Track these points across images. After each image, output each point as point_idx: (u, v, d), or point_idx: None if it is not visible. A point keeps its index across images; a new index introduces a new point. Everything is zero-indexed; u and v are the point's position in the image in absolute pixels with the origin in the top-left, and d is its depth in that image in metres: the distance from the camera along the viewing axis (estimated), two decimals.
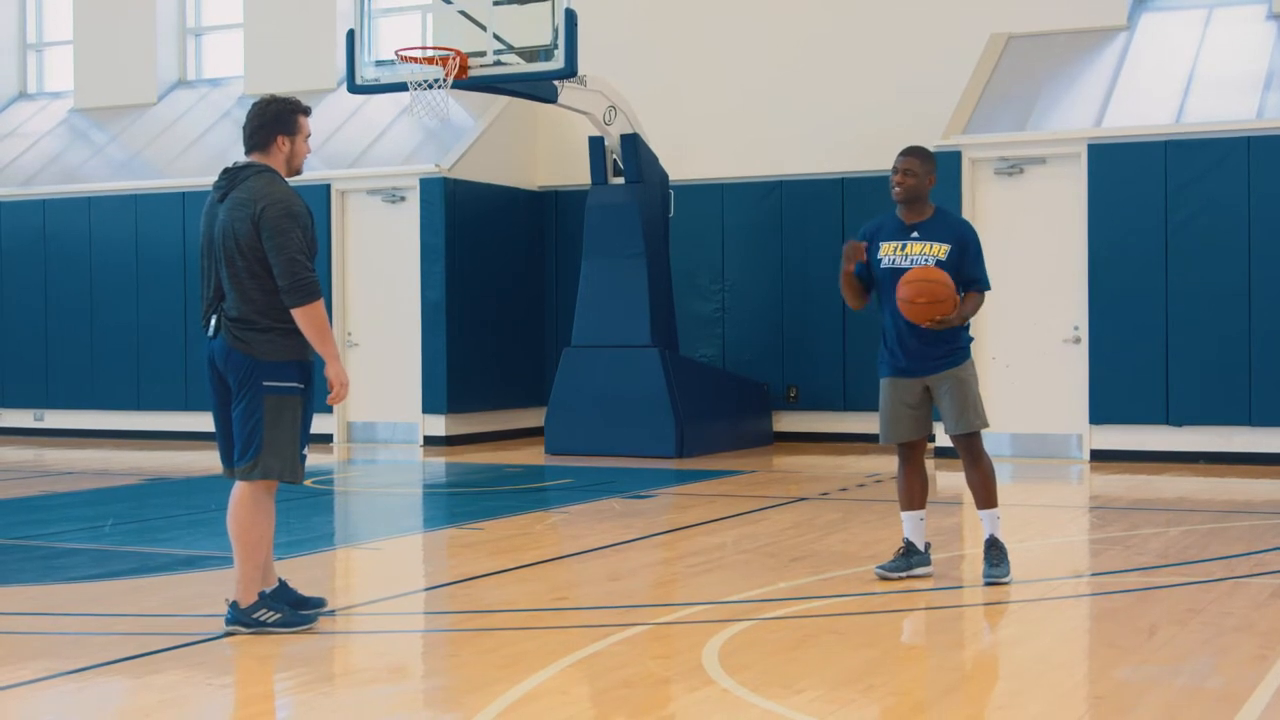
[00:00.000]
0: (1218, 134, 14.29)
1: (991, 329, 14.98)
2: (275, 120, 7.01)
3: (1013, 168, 15.01)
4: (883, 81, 16.94)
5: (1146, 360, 14.34)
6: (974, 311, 8.05)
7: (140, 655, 6.33)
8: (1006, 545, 7.92)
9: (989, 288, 8.19)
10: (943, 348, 7.98)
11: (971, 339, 8.23)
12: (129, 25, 20.96)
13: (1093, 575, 8.42)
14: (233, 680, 6.08)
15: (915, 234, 8.03)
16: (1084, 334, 14.65)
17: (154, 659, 6.30)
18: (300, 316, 6.79)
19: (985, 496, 7.94)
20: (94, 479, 13.96)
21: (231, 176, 6.95)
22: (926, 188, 8.08)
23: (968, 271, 8.00)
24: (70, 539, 9.94)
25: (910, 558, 7.97)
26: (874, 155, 16.70)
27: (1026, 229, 14.92)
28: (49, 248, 19.19)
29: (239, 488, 6.86)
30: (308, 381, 6.99)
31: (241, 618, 6.75)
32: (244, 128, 7.06)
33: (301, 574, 8.56)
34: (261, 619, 6.74)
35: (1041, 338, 14.87)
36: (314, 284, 6.82)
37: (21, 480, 13.97)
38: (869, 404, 16.43)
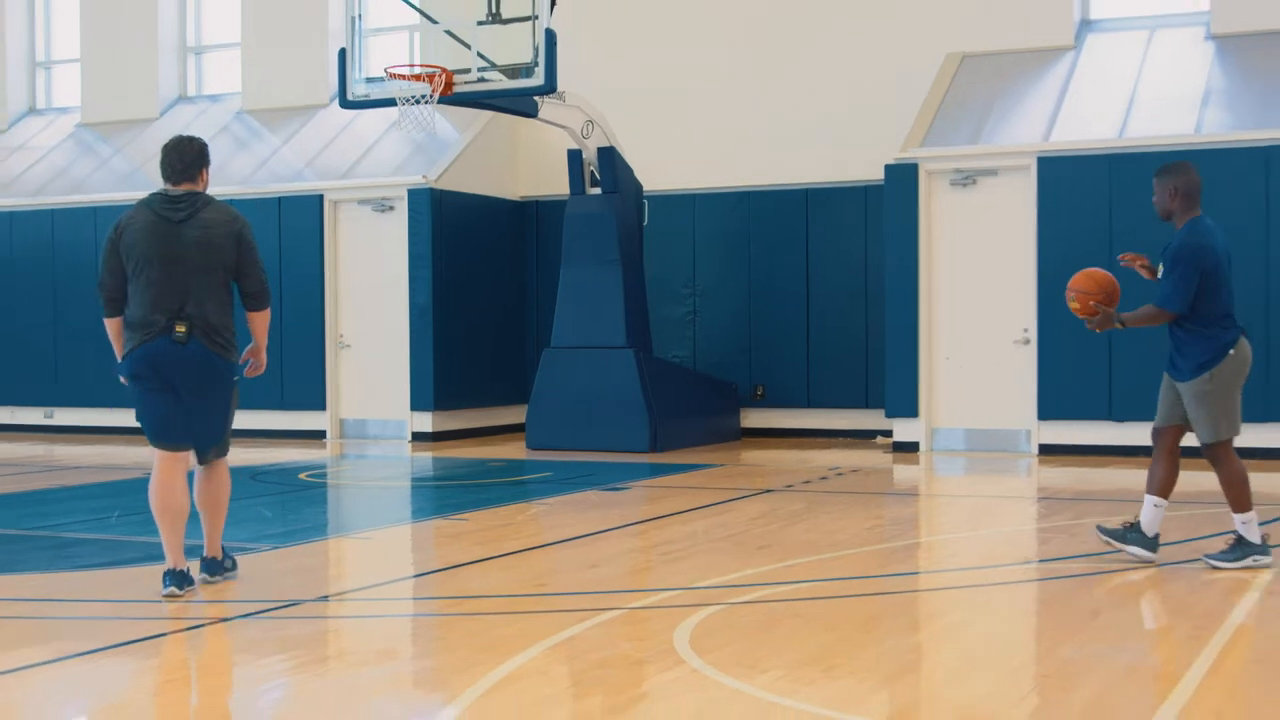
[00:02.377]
0: (1158, 148, 14.34)
1: (945, 330, 15.06)
2: (200, 156, 7.61)
3: (966, 179, 15.06)
4: (844, 98, 16.98)
5: (1091, 360, 14.41)
6: (1140, 319, 8.33)
7: (146, 638, 6.34)
8: (1251, 541, 7.81)
9: (1163, 305, 8.17)
10: (1173, 357, 8.17)
11: (1206, 363, 7.96)
12: (132, 44, 20.91)
13: (1040, 562, 8.46)
14: (232, 662, 6.09)
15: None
16: (1033, 335, 14.71)
17: (158, 643, 6.31)
18: (262, 317, 7.77)
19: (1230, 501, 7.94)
20: (101, 473, 13.94)
21: (190, 202, 7.44)
22: (1169, 205, 8.17)
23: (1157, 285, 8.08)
24: (79, 529, 9.93)
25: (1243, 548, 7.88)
26: (836, 168, 16.78)
27: (979, 237, 14.98)
28: (57, 255, 19.14)
29: (217, 466, 7.62)
30: None
31: (215, 568, 7.62)
32: (170, 163, 7.54)
33: (296, 562, 8.59)
34: (227, 566, 7.72)
35: (993, 339, 14.93)
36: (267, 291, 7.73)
37: (33, 474, 13.94)
38: (831, 401, 16.70)
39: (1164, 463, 8.07)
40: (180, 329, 7.28)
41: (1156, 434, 8.16)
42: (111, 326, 7.59)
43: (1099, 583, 7.57)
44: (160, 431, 7.43)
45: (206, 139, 21.11)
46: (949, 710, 5.22)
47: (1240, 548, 7.81)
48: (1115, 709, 5.07)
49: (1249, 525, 7.83)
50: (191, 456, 7.55)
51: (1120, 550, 7.98)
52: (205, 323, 7.34)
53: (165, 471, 7.40)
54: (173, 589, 7.16)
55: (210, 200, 7.54)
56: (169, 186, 7.51)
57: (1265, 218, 14.00)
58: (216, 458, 7.60)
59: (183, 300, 7.30)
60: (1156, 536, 7.96)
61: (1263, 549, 7.80)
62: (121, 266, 7.44)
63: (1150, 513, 7.95)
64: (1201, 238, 8.02)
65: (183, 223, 7.37)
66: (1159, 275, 8.12)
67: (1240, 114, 14.70)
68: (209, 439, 7.54)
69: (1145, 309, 8.17)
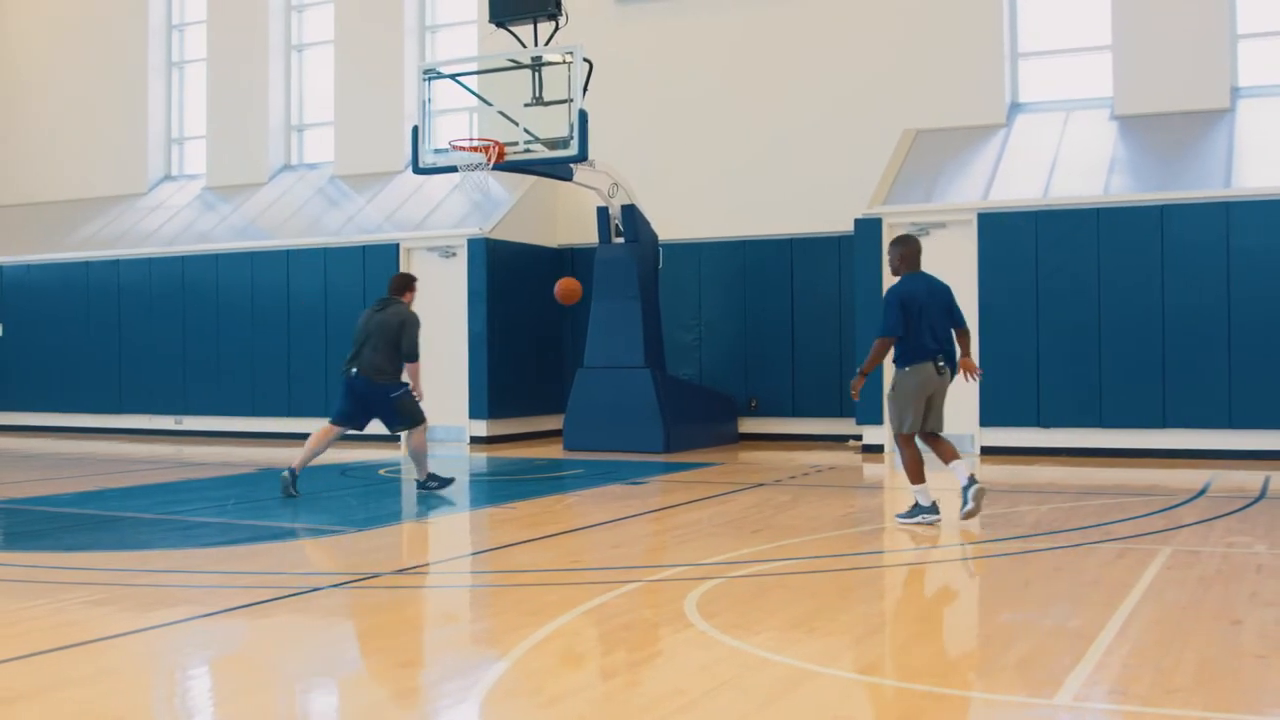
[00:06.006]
0: (1075, 206, 14.33)
1: None
2: (404, 284, 11.16)
3: (921, 231, 15.02)
4: (823, 164, 16.99)
5: (1022, 378, 14.36)
6: (872, 358, 8.88)
7: (256, 604, 6.33)
8: (920, 504, 8.80)
9: (881, 334, 8.82)
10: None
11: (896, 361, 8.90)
12: (248, 122, 21.02)
13: (982, 542, 8.43)
14: (325, 623, 6.08)
15: None
16: (976, 358, 14.64)
17: (266, 606, 6.30)
18: (412, 367, 10.83)
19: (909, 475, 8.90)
20: (220, 469, 13.96)
21: (385, 303, 10.96)
22: (897, 264, 9.03)
23: None
24: (202, 514, 9.94)
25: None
26: (816, 221, 16.79)
27: None
28: (186, 293, 19.21)
29: (412, 432, 10.96)
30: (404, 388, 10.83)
31: (428, 483, 11.00)
32: (389, 284, 11.27)
33: (375, 542, 8.58)
34: (431, 486, 11.02)
35: None
36: (418, 353, 10.80)
37: (165, 469, 13.97)
38: (812, 411, 16.68)
39: (935, 444, 8.93)
40: (354, 369, 10.79)
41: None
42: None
43: (1030, 560, 7.53)
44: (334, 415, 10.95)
45: (304, 199, 21.46)
46: (910, 664, 5.18)
47: (916, 509, 8.77)
48: (1043, 663, 5.03)
49: (923, 492, 8.75)
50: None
51: (916, 522, 8.75)
52: (372, 366, 10.71)
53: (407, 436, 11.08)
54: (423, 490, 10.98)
55: (395, 303, 10.91)
56: (386, 295, 11.05)
57: (1160, 264, 13.95)
58: (402, 429, 11.04)
59: (358, 351, 10.80)
60: (935, 503, 8.84)
61: (930, 509, 8.74)
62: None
63: (960, 469, 8.82)
64: (904, 285, 8.83)
65: (379, 312, 10.88)
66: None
67: (1140, 179, 14.67)
68: (390, 424, 10.95)
69: (875, 345, 8.85)
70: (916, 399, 8.75)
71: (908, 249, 8.94)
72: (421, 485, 11.05)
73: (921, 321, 8.69)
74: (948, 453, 8.79)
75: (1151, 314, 13.91)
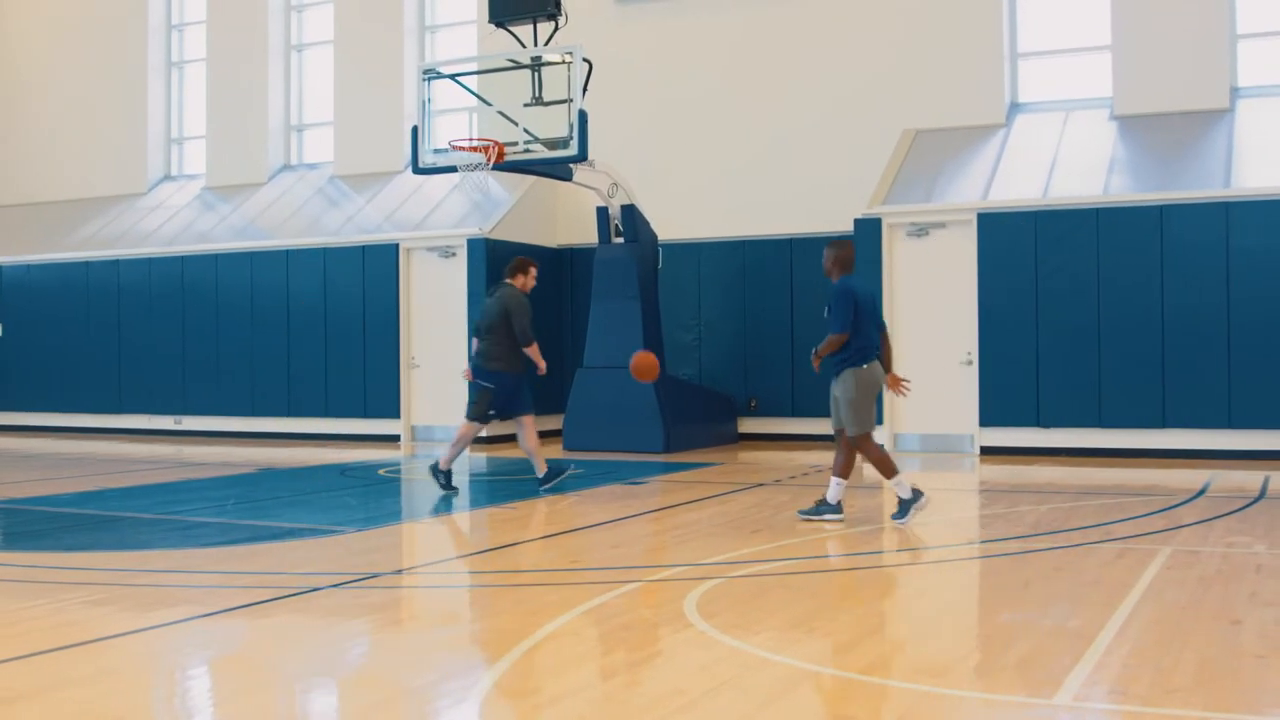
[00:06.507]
0: (1074, 206, 14.33)
1: (904, 352, 14.99)
2: (516, 266, 11.01)
3: (920, 231, 15.04)
4: (823, 164, 16.99)
5: (1022, 378, 14.37)
6: (828, 347, 8.83)
7: (256, 604, 6.34)
8: (903, 498, 8.86)
9: (839, 330, 8.78)
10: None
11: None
12: (247, 123, 21.02)
13: (982, 542, 8.43)
14: (325, 623, 6.08)
15: None
16: (975, 358, 14.68)
17: (266, 606, 6.30)
18: (528, 349, 10.82)
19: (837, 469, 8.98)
20: (219, 469, 13.96)
21: (496, 287, 11.03)
22: (829, 267, 9.00)
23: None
24: (201, 514, 9.94)
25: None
26: (816, 221, 16.78)
27: (931, 278, 14.96)
28: (186, 293, 19.22)
29: (471, 423, 10.93)
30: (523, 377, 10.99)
31: (437, 474, 10.96)
32: (506, 266, 11.15)
33: (375, 542, 8.57)
34: (437, 477, 10.89)
35: (942, 361, 14.90)
36: (531, 338, 10.78)
37: (165, 469, 13.97)
38: (812, 411, 16.66)
39: (845, 451, 8.98)
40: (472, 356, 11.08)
41: (839, 433, 9.00)
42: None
43: (1030, 559, 7.53)
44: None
45: (304, 199, 21.53)
46: (909, 664, 5.18)
47: (904, 505, 8.80)
48: (1043, 663, 5.03)
49: (902, 484, 8.80)
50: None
51: (820, 520, 8.90)
52: (483, 353, 10.82)
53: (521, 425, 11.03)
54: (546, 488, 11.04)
55: (507, 288, 10.89)
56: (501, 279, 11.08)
57: (1160, 264, 13.95)
58: (512, 418, 11.05)
59: (472, 339, 11.07)
60: (840, 503, 8.98)
61: (836, 509, 8.87)
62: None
63: (835, 489, 8.94)
64: (853, 284, 8.90)
65: (488, 297, 11.04)
66: (827, 317, 8.90)
67: (1140, 179, 14.68)
68: (485, 408, 10.92)
69: (826, 340, 8.83)
70: (870, 397, 8.87)
71: (843, 251, 9.00)
72: (433, 469, 11.05)
73: (869, 322, 8.87)
74: (849, 466, 8.95)
75: (1151, 314, 13.91)
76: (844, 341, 8.77)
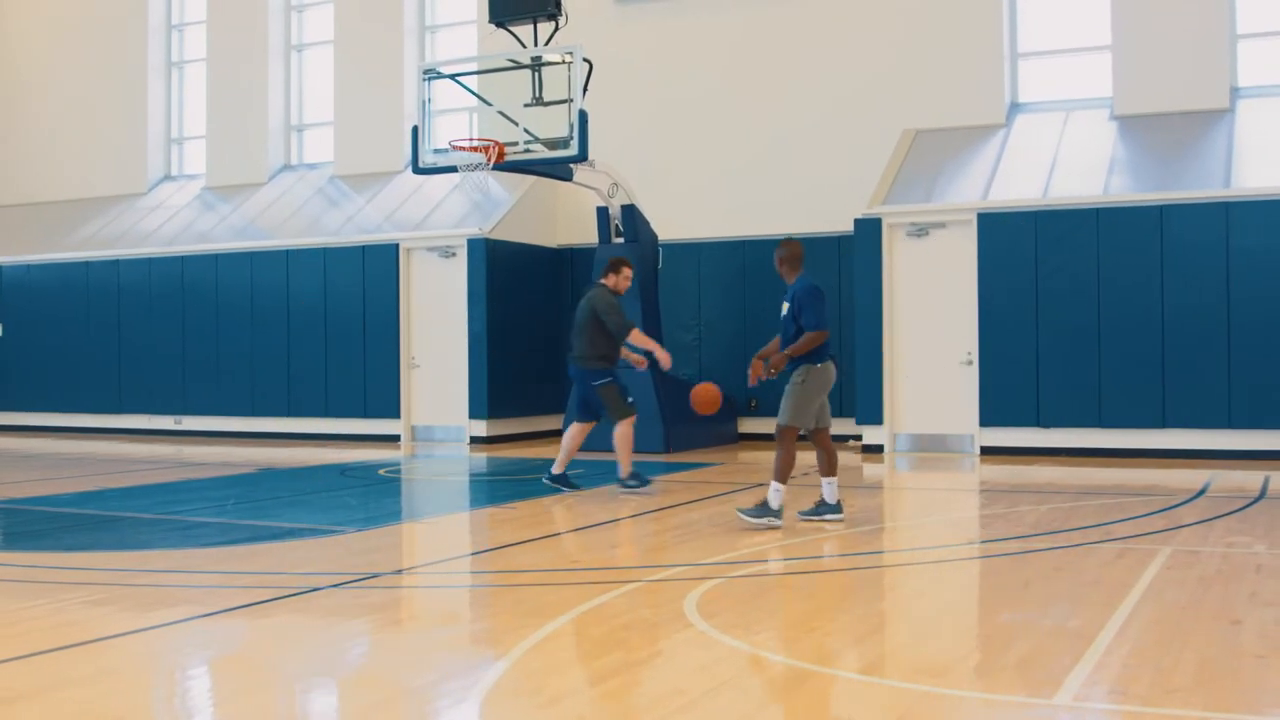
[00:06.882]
0: (1074, 206, 14.33)
1: (905, 353, 15.02)
2: (609, 265, 10.92)
3: (920, 231, 15.04)
4: (823, 164, 16.99)
5: (1022, 378, 14.37)
6: (802, 347, 8.70)
7: (256, 604, 6.34)
8: (770, 504, 8.64)
9: (815, 329, 8.67)
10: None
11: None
12: (247, 122, 21.02)
13: (982, 542, 8.43)
14: (325, 623, 6.08)
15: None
16: (975, 358, 14.67)
17: (266, 606, 6.30)
18: (635, 337, 10.67)
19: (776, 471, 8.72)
20: (219, 468, 13.96)
21: (588, 287, 10.99)
22: (780, 268, 8.96)
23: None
24: (201, 514, 9.94)
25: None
26: (816, 221, 16.78)
27: (931, 278, 14.95)
28: (186, 293, 19.22)
29: (620, 424, 10.70)
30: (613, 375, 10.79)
31: (628, 481, 10.67)
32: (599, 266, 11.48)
33: (375, 542, 8.57)
34: (629, 483, 10.66)
35: (943, 360, 14.90)
36: (627, 327, 10.65)
37: (165, 469, 13.97)
38: None
39: (823, 450, 8.97)
40: (570, 357, 10.91)
41: (811, 433, 8.94)
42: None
43: (1030, 559, 7.53)
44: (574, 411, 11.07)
45: (304, 199, 21.56)
46: (908, 665, 5.18)
47: (763, 509, 8.61)
48: (1043, 663, 5.03)
49: (778, 494, 8.60)
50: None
51: (821, 520, 8.86)
52: (578, 352, 10.75)
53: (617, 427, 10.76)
54: (623, 491, 10.71)
55: (596, 287, 10.86)
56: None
57: (1160, 264, 13.95)
58: (620, 420, 10.69)
59: (571, 339, 10.90)
60: (839, 503, 8.97)
61: (777, 514, 8.60)
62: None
63: (828, 489, 8.93)
64: (813, 282, 8.88)
65: (582, 298, 10.91)
66: (785, 316, 8.82)
67: (1140, 179, 14.67)
68: (598, 412, 10.90)
69: (804, 338, 8.69)
70: (819, 396, 8.82)
71: (795, 249, 8.96)
72: (621, 484, 10.79)
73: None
74: (833, 462, 8.94)
75: (1151, 314, 13.91)
76: (825, 339, 8.70)
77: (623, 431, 10.79)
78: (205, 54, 21.55)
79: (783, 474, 8.65)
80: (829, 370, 8.82)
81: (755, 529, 8.52)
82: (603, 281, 11.01)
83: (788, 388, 8.79)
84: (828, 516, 8.92)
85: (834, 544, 8.17)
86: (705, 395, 10.15)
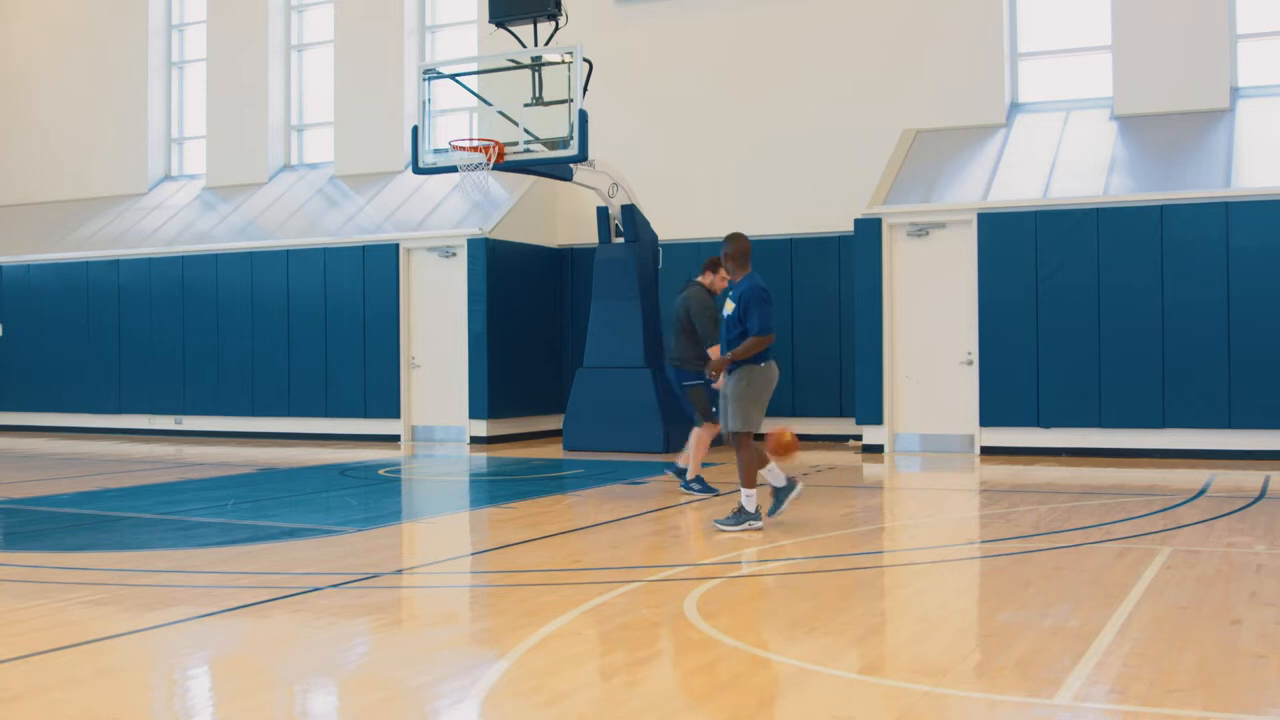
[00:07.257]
0: (1074, 206, 14.33)
1: (905, 353, 15.02)
2: (708, 263, 10.83)
3: (920, 231, 15.04)
4: (823, 164, 16.99)
5: (1022, 378, 14.36)
6: (747, 349, 8.61)
7: (256, 604, 6.34)
8: (745, 509, 8.60)
9: (762, 332, 8.57)
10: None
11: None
12: (247, 123, 21.02)
13: (982, 542, 8.43)
14: (325, 623, 6.08)
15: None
16: (975, 358, 14.67)
17: (266, 606, 6.30)
18: (714, 350, 10.28)
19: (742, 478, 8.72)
20: (219, 469, 13.96)
21: (684, 285, 10.93)
22: (726, 264, 8.90)
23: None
24: (201, 514, 9.94)
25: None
26: (816, 221, 16.79)
27: (931, 278, 14.95)
28: (186, 293, 19.22)
29: (704, 426, 10.61)
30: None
31: (691, 484, 10.62)
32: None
33: (375, 542, 8.57)
34: (692, 487, 10.58)
35: (943, 360, 14.90)
36: (714, 333, 10.32)
37: (165, 469, 13.97)
38: (812, 411, 16.66)
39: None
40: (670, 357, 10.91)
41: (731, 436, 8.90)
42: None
43: (1030, 559, 7.53)
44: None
45: (304, 199, 21.57)
46: (909, 664, 5.18)
47: (740, 515, 8.53)
48: (1043, 663, 5.03)
49: (750, 499, 8.55)
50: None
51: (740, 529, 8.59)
52: (675, 353, 10.74)
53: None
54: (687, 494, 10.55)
55: (692, 285, 10.81)
56: None
57: (1160, 264, 13.95)
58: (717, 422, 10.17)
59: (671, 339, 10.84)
60: (789, 483, 9.06)
61: (755, 516, 8.52)
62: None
63: (772, 476, 8.99)
64: (759, 282, 8.73)
65: (679, 294, 10.92)
66: (729, 316, 8.75)
67: (1139, 178, 14.68)
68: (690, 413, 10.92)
69: (747, 341, 8.58)
70: (765, 395, 8.76)
71: (743, 244, 8.89)
72: (685, 484, 10.79)
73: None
74: (764, 458, 8.93)
75: (1151, 314, 13.91)
76: (770, 342, 8.58)
77: (702, 436, 10.78)
78: (205, 54, 21.55)
79: (749, 479, 8.63)
80: (772, 370, 8.72)
81: (738, 536, 8.46)
82: (699, 280, 10.93)
83: (730, 392, 8.67)
84: (748, 525, 8.57)
85: (834, 544, 8.17)
86: (779, 443, 9.12)
